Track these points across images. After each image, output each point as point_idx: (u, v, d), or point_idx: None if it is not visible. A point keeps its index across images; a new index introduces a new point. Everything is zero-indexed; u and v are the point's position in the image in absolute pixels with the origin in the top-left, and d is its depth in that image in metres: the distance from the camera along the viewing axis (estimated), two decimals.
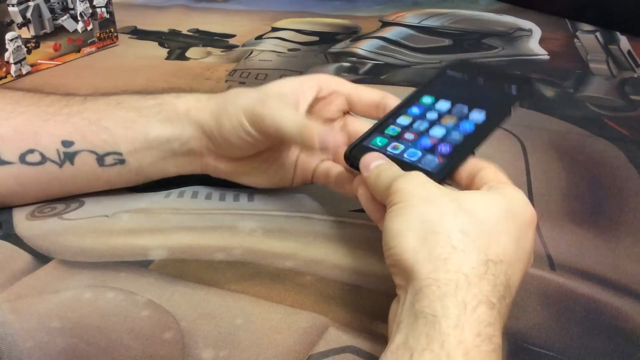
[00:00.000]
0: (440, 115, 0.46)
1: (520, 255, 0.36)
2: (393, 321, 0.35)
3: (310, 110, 0.50)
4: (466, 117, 0.45)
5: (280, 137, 0.47)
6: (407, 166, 0.42)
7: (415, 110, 0.47)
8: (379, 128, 0.46)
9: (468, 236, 0.34)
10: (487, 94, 0.46)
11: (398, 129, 0.46)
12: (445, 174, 0.41)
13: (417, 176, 0.38)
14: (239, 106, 0.48)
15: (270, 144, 0.49)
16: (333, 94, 0.50)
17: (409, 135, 0.45)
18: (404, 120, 0.46)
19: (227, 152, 0.50)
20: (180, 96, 0.51)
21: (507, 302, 0.34)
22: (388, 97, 0.50)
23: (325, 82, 0.50)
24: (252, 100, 0.47)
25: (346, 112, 0.52)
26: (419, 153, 0.43)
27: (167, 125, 0.49)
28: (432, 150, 0.43)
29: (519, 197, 0.38)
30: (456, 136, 0.44)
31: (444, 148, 0.43)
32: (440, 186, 0.38)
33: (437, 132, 0.44)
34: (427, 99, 0.47)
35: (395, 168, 0.40)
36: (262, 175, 0.52)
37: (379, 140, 0.45)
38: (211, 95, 0.51)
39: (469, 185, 0.40)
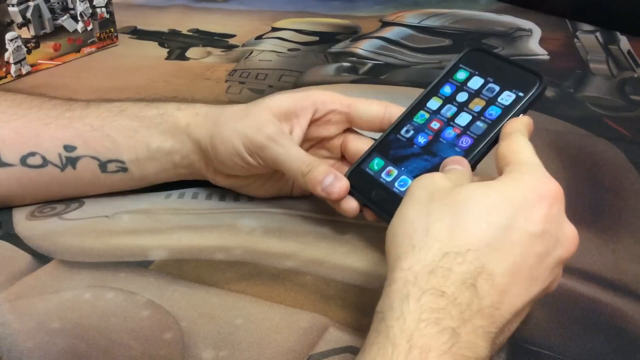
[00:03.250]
0: (435, 136, 0.45)
1: (512, 239, 0.34)
2: None
3: (307, 131, 0.49)
4: (453, 145, 0.45)
5: (278, 170, 0.47)
6: (396, 199, 0.43)
7: (413, 124, 0.47)
8: (378, 147, 0.47)
9: (430, 234, 0.34)
10: (492, 101, 0.45)
11: (396, 149, 0.46)
12: None
13: (426, 178, 0.39)
14: (235, 131, 0.47)
15: (267, 170, 0.49)
16: (330, 113, 0.49)
17: (403, 157, 0.45)
18: (402, 137, 0.46)
19: (223, 171, 0.50)
20: (182, 108, 0.50)
21: (480, 287, 0.33)
22: (391, 108, 0.48)
23: (322, 102, 0.49)
24: (248, 127, 0.47)
25: (346, 129, 0.51)
26: (409, 182, 0.44)
27: (169, 137, 0.49)
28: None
29: (521, 179, 0.37)
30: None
31: None
32: (440, 186, 0.38)
33: (422, 164, 0.45)
34: (426, 111, 0.47)
35: None
36: (261, 188, 0.52)
37: (376, 163, 0.46)
38: (209, 109, 0.50)
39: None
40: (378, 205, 0.45)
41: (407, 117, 0.47)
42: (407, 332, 0.31)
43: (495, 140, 0.43)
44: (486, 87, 0.46)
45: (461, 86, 0.47)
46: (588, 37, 0.91)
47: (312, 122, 0.49)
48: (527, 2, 1.02)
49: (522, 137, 0.40)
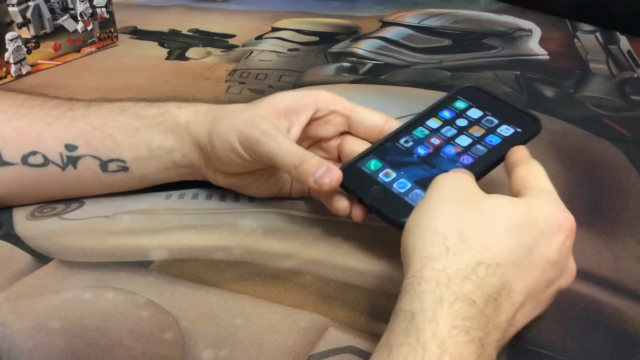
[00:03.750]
0: (435, 150, 0.46)
1: (533, 262, 0.36)
2: None
3: (306, 129, 0.49)
4: (454, 161, 0.45)
5: (273, 165, 0.47)
6: (394, 198, 0.43)
7: (412, 137, 0.47)
8: (374, 150, 0.47)
9: (464, 240, 0.34)
10: (492, 130, 0.46)
11: (394, 155, 0.46)
12: None
13: (457, 176, 0.39)
14: (231, 127, 0.47)
15: (263, 166, 0.49)
16: (331, 114, 0.49)
17: (401, 163, 0.45)
18: (398, 146, 0.46)
19: (221, 169, 0.50)
20: (182, 107, 0.50)
21: (503, 302, 0.34)
22: (391, 122, 0.49)
23: (324, 102, 0.49)
24: (244, 122, 0.47)
25: (344, 132, 0.51)
26: (409, 185, 0.44)
27: (170, 136, 0.49)
28: (421, 183, 0.43)
29: (547, 204, 0.38)
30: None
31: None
32: (470, 189, 0.38)
33: (420, 172, 0.45)
34: (426, 128, 0.47)
35: None
36: (261, 188, 0.52)
37: (373, 164, 0.46)
38: (209, 107, 0.50)
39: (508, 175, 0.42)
40: (375, 202, 0.44)
41: (405, 130, 0.48)
42: (439, 337, 0.31)
43: (494, 165, 0.45)
44: (485, 119, 0.47)
45: (460, 114, 0.48)
46: (588, 37, 0.91)
47: (312, 120, 0.49)
48: (527, 2, 1.02)
49: (539, 165, 0.42)
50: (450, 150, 0.46)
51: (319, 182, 0.44)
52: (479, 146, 0.45)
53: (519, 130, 0.46)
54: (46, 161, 0.48)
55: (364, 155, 0.47)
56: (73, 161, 0.49)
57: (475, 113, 0.48)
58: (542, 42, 0.90)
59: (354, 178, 0.45)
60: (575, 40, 0.90)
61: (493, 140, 0.45)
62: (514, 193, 0.40)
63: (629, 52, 0.86)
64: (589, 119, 0.68)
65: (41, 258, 0.47)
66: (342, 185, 0.45)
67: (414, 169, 0.45)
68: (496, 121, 0.47)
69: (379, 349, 0.32)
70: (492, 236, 0.35)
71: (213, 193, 0.54)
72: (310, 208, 0.53)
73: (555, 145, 0.63)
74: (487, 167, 0.44)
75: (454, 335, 0.31)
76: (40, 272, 0.45)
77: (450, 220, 0.35)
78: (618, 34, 0.91)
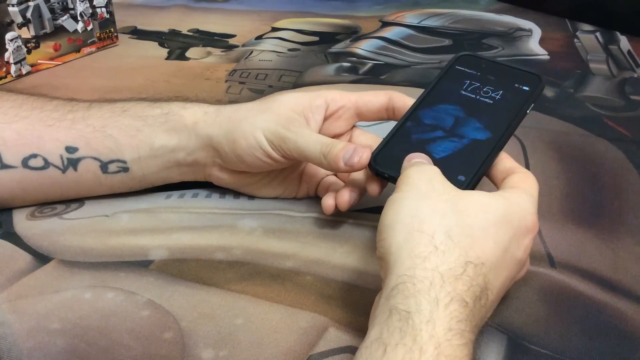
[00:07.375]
0: (456, 121, 0.45)
1: (506, 261, 0.36)
2: (373, 315, 0.36)
3: (321, 129, 0.50)
4: (481, 122, 0.45)
5: (302, 160, 0.48)
6: None
7: (429, 114, 0.46)
8: (398, 132, 0.46)
9: (451, 238, 0.35)
10: (501, 92, 0.46)
11: (417, 134, 0.46)
12: (472, 186, 0.42)
13: (429, 169, 0.39)
14: (255, 125, 0.47)
15: (285, 165, 0.50)
16: (340, 109, 0.50)
17: (427, 140, 0.45)
18: (418, 125, 0.46)
19: (236, 167, 0.50)
20: (187, 107, 0.50)
21: (483, 302, 0.34)
22: (394, 97, 0.50)
23: (332, 99, 0.50)
24: (269, 121, 0.47)
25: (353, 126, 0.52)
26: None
27: (173, 135, 0.49)
28: (451, 156, 0.43)
29: (522, 204, 0.38)
30: (474, 145, 0.44)
31: (464, 160, 0.43)
32: (445, 184, 0.38)
33: (451, 144, 0.44)
34: (439, 102, 0.47)
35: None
36: (266, 188, 0.53)
37: (400, 146, 0.45)
38: (219, 108, 0.50)
39: (499, 185, 0.42)
40: None
41: (420, 107, 0.47)
42: (436, 339, 0.31)
43: (516, 126, 0.45)
44: (491, 86, 0.47)
45: (467, 81, 0.48)
46: (588, 37, 0.91)
47: (325, 118, 0.50)
48: (527, 2, 1.02)
49: (535, 179, 0.41)
50: (471, 118, 0.45)
51: (349, 163, 0.44)
52: (496, 109, 0.45)
53: (526, 88, 0.46)
54: (46, 164, 0.48)
55: (389, 140, 0.46)
56: (73, 163, 0.49)
57: (478, 82, 0.47)
58: (542, 42, 0.90)
59: (385, 162, 0.45)
60: (575, 40, 0.90)
61: (507, 101, 0.46)
62: (497, 181, 0.42)
63: (629, 52, 0.86)
64: (589, 119, 0.68)
65: (41, 258, 0.47)
66: (376, 172, 0.45)
67: (441, 144, 0.45)
68: (502, 87, 0.47)
69: (368, 346, 0.32)
70: (474, 235, 0.35)
71: (213, 192, 0.54)
72: (310, 208, 0.53)
73: (555, 145, 0.63)
74: (512, 128, 0.44)
75: (450, 338, 0.31)
76: (40, 272, 0.45)
77: (434, 218, 0.35)
78: (618, 34, 0.91)
